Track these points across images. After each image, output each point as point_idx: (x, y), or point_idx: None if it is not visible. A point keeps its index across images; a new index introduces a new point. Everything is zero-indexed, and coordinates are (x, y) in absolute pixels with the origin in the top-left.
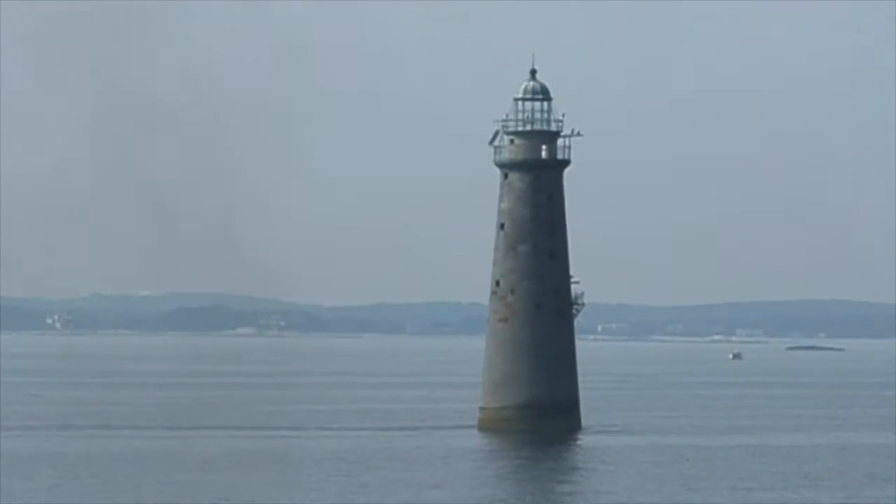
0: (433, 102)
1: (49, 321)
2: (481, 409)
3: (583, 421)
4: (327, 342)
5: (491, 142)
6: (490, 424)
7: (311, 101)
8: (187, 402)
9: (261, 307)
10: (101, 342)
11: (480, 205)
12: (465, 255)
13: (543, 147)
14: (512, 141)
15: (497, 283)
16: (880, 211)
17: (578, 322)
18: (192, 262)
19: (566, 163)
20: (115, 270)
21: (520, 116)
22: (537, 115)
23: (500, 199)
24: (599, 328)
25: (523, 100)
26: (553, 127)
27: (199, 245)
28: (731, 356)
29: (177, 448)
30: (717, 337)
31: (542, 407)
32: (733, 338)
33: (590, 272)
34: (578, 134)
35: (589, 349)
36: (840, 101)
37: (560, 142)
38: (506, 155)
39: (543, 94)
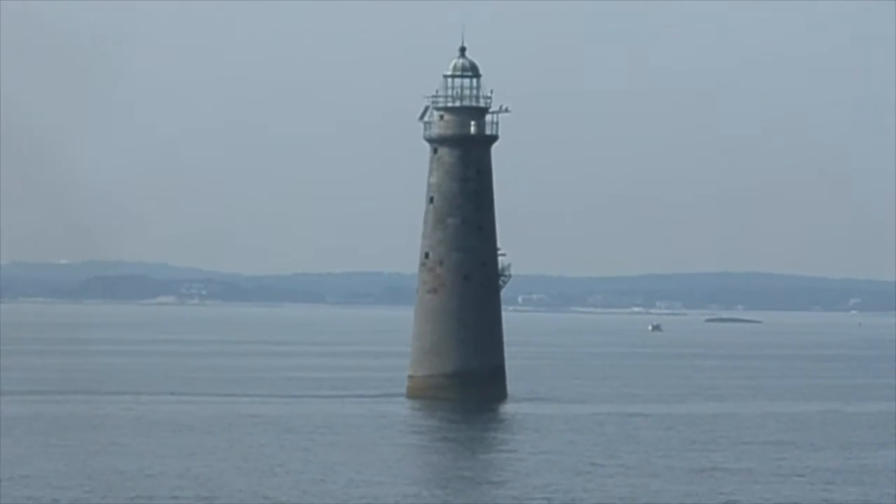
0: (365, 78)
1: None
2: (410, 377)
3: (508, 389)
4: (249, 311)
5: (421, 117)
6: (418, 392)
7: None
8: (116, 369)
9: (181, 276)
10: (22, 310)
11: (406, 178)
12: (387, 225)
13: (472, 122)
14: (441, 116)
15: (426, 255)
16: (798, 184)
17: (502, 293)
18: (112, 229)
19: (494, 138)
20: (33, 238)
21: (449, 93)
22: (466, 92)
23: (430, 174)
24: (520, 299)
25: (453, 76)
26: (482, 103)
27: (121, 213)
28: (650, 328)
29: (100, 413)
30: (636, 309)
31: (469, 375)
32: (653, 310)
33: (512, 244)
34: (507, 110)
35: (511, 319)
36: (765, 79)
37: (488, 117)
38: (435, 130)
39: (472, 70)
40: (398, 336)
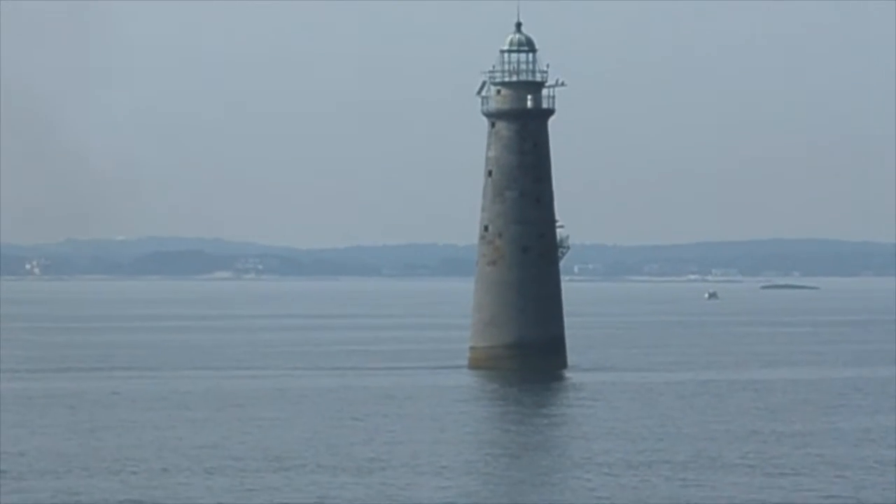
0: (425, 54)
1: (28, 266)
2: (471, 348)
3: (568, 359)
4: (306, 285)
5: (478, 92)
6: (480, 363)
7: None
8: (179, 344)
9: (237, 251)
10: (84, 287)
11: (461, 151)
12: (441, 197)
13: (529, 97)
14: (499, 91)
15: (486, 228)
16: (852, 151)
17: (560, 264)
18: (167, 206)
19: (550, 112)
20: (89, 215)
21: (506, 68)
22: (523, 67)
23: (488, 148)
24: (576, 268)
25: (509, 51)
26: (538, 77)
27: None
28: (706, 296)
29: (170, 389)
30: (692, 277)
31: (530, 346)
32: (708, 277)
33: (569, 215)
34: (562, 84)
35: (567, 290)
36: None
37: (545, 91)
38: (493, 105)
39: (528, 45)
40: (456, 308)
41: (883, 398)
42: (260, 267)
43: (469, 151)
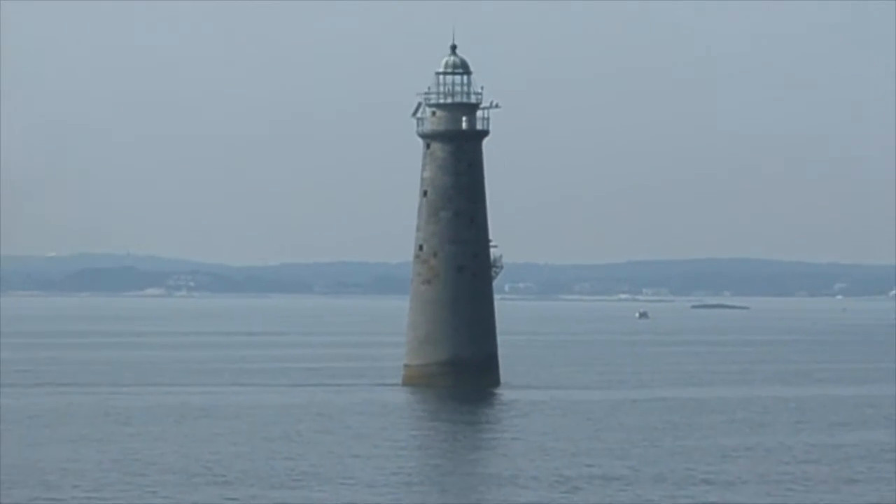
0: (361, 75)
1: None
2: (406, 366)
3: (501, 377)
4: (238, 302)
5: (414, 114)
6: (414, 381)
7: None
8: (110, 361)
9: (169, 268)
10: (11, 304)
11: (394, 171)
12: (374, 216)
13: (464, 118)
14: (434, 113)
15: (420, 248)
16: (784, 170)
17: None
18: (99, 222)
19: (485, 133)
20: (19, 232)
21: (441, 90)
22: (458, 89)
23: (423, 168)
24: (507, 287)
25: (444, 74)
26: (472, 99)
27: (105, 207)
28: (637, 315)
29: (95, 403)
30: (623, 296)
31: (464, 364)
32: (639, 296)
33: (501, 234)
34: (497, 106)
35: (499, 308)
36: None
37: (479, 113)
38: (428, 126)
39: (463, 68)
40: (389, 326)
41: (807, 415)
42: (192, 284)
43: (404, 171)
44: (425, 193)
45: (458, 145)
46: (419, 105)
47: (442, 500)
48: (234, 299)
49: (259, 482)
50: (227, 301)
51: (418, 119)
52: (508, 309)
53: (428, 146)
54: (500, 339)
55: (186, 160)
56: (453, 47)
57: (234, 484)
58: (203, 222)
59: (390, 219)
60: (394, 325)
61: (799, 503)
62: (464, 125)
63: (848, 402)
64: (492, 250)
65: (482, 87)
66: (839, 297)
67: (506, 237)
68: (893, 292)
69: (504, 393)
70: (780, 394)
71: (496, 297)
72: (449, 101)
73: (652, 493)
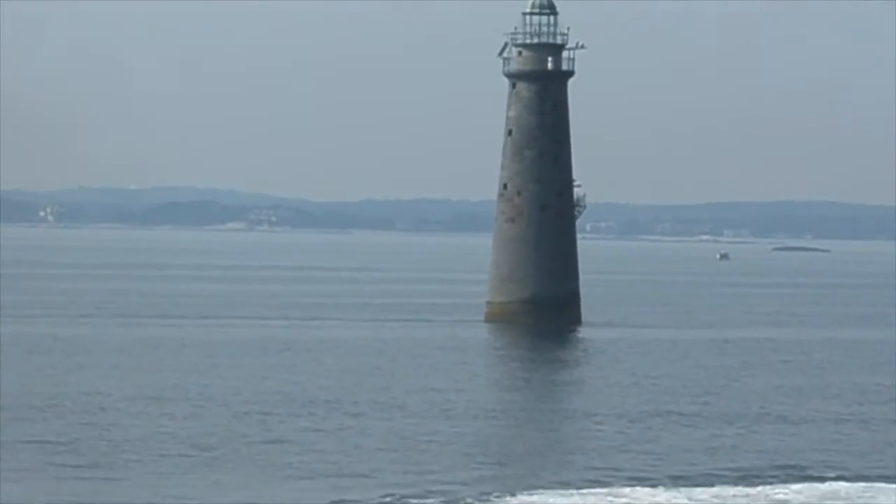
0: (449, 15)
1: (42, 213)
2: (488, 303)
3: (583, 315)
4: (319, 238)
5: (500, 53)
6: (497, 318)
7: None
8: (197, 293)
9: (250, 202)
10: (95, 235)
11: (478, 110)
12: (455, 153)
13: (549, 59)
14: (520, 53)
15: (504, 186)
16: (866, 114)
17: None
18: (177, 156)
19: (570, 73)
20: (101, 163)
21: (527, 30)
22: (544, 29)
23: (508, 108)
24: (588, 227)
25: (531, 14)
26: (558, 40)
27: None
28: (718, 256)
29: (186, 336)
30: (704, 237)
31: (545, 302)
32: (720, 238)
33: (583, 173)
34: (582, 47)
35: (581, 248)
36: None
37: (565, 54)
38: (514, 66)
39: (550, 8)
40: (472, 264)
41: (878, 357)
42: (273, 219)
43: (488, 110)
44: (510, 133)
45: (544, 85)
46: (506, 45)
47: (519, 433)
48: (315, 235)
49: (348, 412)
50: (309, 236)
51: (504, 59)
52: (589, 248)
53: (514, 86)
54: (581, 278)
55: (269, 94)
56: None
57: (325, 410)
58: (284, 157)
59: (473, 157)
60: (476, 263)
61: (862, 441)
62: (549, 65)
63: None
64: (575, 190)
65: (568, 28)
66: None
67: (588, 177)
68: None
69: (585, 331)
70: (854, 336)
71: (578, 236)
72: (535, 41)
73: (726, 430)
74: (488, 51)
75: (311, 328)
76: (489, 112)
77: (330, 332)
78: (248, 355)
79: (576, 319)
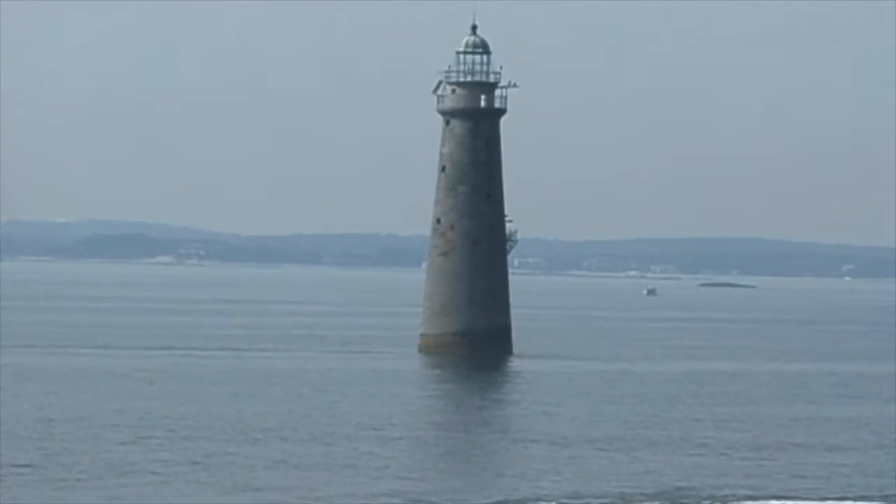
0: (384, 54)
1: None
2: (422, 335)
3: (514, 347)
4: (248, 272)
5: (434, 91)
6: (430, 349)
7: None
8: (125, 325)
9: (179, 236)
10: (24, 268)
11: (408, 146)
12: (385, 188)
13: (482, 96)
14: (454, 90)
15: (438, 221)
16: (793, 150)
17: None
18: (110, 188)
19: (503, 111)
20: (31, 196)
21: (461, 68)
22: (477, 68)
23: (442, 144)
24: (516, 262)
25: (464, 53)
26: (491, 78)
27: (118, 172)
28: (645, 292)
29: (132, 367)
30: (631, 273)
31: (478, 334)
32: (648, 274)
33: (511, 208)
34: (515, 85)
35: (512, 283)
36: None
37: (498, 92)
38: (447, 103)
39: (483, 48)
40: (404, 297)
41: (798, 389)
42: (202, 252)
43: (418, 147)
44: (444, 169)
45: (477, 122)
46: (440, 83)
47: (448, 457)
48: (243, 268)
49: (277, 439)
50: (238, 270)
51: (438, 96)
52: (519, 283)
53: (447, 122)
54: (512, 311)
55: (200, 127)
56: (474, 27)
57: (260, 438)
58: (214, 192)
59: (403, 192)
60: (407, 297)
61: (782, 465)
62: (482, 103)
63: (842, 377)
64: (507, 225)
65: (501, 67)
66: (847, 278)
67: (517, 212)
68: None
69: (516, 362)
70: (774, 369)
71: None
72: (468, 79)
73: (647, 455)
74: (422, 88)
75: (246, 359)
76: (422, 148)
77: (265, 362)
78: (185, 383)
79: (507, 351)
